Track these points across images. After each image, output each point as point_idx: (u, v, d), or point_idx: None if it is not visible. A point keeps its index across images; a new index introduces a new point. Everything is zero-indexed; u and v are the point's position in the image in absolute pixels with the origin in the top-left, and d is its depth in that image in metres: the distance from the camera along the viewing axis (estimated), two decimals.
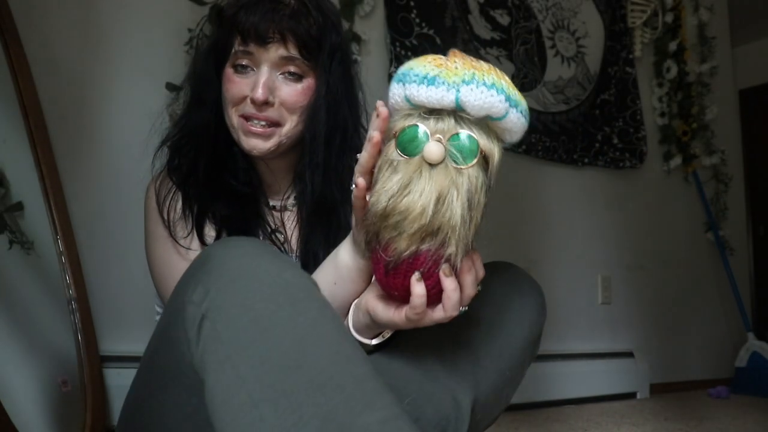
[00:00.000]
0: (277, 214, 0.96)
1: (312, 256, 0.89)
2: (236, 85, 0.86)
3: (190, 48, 1.68)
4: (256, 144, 0.87)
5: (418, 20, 2.17)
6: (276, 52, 0.84)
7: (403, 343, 0.75)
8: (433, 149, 0.59)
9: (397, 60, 2.09)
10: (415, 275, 0.61)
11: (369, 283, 0.75)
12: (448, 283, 0.62)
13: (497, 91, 0.59)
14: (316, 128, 0.89)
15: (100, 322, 1.48)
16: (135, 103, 1.62)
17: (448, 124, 0.60)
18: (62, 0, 1.55)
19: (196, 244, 0.87)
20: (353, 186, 0.66)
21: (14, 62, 1.39)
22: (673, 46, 2.98)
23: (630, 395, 2.61)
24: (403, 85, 0.61)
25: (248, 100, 0.86)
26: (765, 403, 2.47)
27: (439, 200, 0.58)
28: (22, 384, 1.19)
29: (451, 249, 0.60)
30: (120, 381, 1.44)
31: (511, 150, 2.41)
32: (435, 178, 0.59)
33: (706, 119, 3.06)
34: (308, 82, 0.87)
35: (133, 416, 0.76)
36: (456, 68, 0.59)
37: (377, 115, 0.63)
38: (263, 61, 0.85)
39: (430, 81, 0.59)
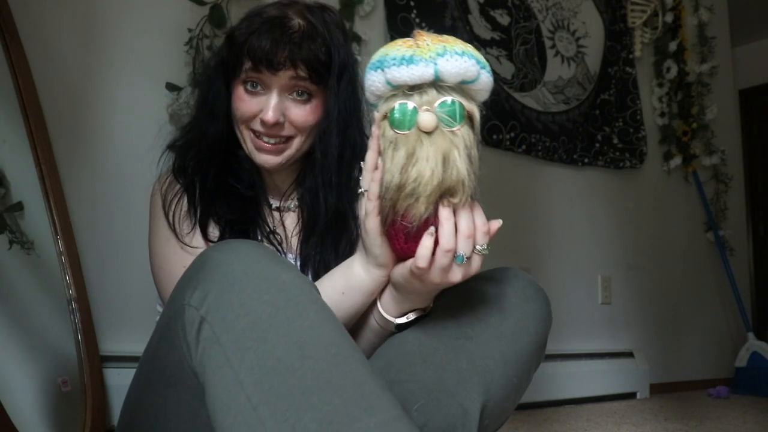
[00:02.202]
0: (277, 214, 0.97)
1: (324, 266, 0.90)
2: (246, 104, 0.87)
3: (190, 48, 1.68)
4: (267, 159, 0.90)
5: (418, 20, 2.17)
6: (286, 76, 0.85)
7: (411, 350, 0.75)
8: (426, 118, 0.64)
9: None
10: (430, 230, 0.66)
11: (373, 298, 0.77)
12: (443, 213, 0.65)
13: (468, 57, 0.65)
14: (327, 149, 0.90)
15: (100, 322, 1.48)
16: (135, 103, 1.62)
17: (431, 95, 0.65)
18: (62, 0, 1.54)
19: (198, 241, 0.88)
20: (363, 190, 0.70)
21: (14, 62, 1.38)
22: (673, 46, 2.98)
23: (630, 395, 2.61)
24: (382, 70, 0.66)
25: (258, 119, 0.87)
26: (765, 403, 2.47)
27: (445, 161, 0.63)
28: (22, 384, 1.19)
29: (461, 203, 0.65)
30: (120, 381, 1.44)
31: (511, 150, 2.42)
32: (435, 143, 0.64)
33: (706, 119, 3.06)
34: (317, 101, 0.89)
35: (133, 417, 0.76)
36: (428, 45, 0.65)
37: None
38: (273, 84, 0.86)
39: (409, 60, 0.64)
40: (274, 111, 0.86)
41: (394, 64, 0.65)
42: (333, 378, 0.57)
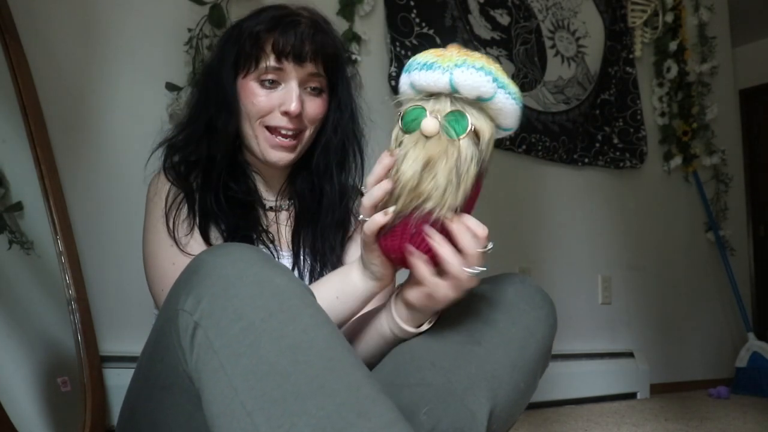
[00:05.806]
0: (271, 214, 0.99)
1: (319, 254, 0.95)
2: (263, 98, 0.90)
3: (190, 48, 1.68)
4: (282, 156, 0.92)
5: (418, 20, 2.17)
6: (307, 69, 0.90)
7: (420, 354, 0.75)
8: (428, 122, 0.66)
9: (397, 60, 2.09)
10: (409, 247, 0.67)
11: (366, 305, 0.79)
12: (441, 249, 0.66)
13: (485, 73, 0.65)
14: (329, 140, 0.96)
15: (100, 322, 1.48)
16: (135, 103, 1.62)
17: (444, 104, 0.67)
18: (62, 0, 1.54)
19: (194, 245, 0.88)
20: (360, 217, 0.71)
21: (14, 62, 1.38)
22: (673, 46, 2.98)
23: (630, 395, 2.61)
24: (408, 73, 0.70)
25: (276, 113, 0.90)
26: (765, 403, 2.47)
27: (427, 166, 0.65)
28: (22, 384, 1.19)
29: (436, 211, 0.65)
30: (120, 381, 1.43)
31: (511, 150, 2.42)
32: (427, 147, 0.66)
33: (706, 119, 3.06)
34: (325, 96, 0.94)
35: (131, 418, 0.77)
36: (451, 56, 0.67)
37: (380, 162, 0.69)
38: (294, 77, 0.90)
39: (428, 66, 0.67)
40: (298, 101, 0.89)
41: (416, 68, 0.68)
42: (327, 382, 0.57)
